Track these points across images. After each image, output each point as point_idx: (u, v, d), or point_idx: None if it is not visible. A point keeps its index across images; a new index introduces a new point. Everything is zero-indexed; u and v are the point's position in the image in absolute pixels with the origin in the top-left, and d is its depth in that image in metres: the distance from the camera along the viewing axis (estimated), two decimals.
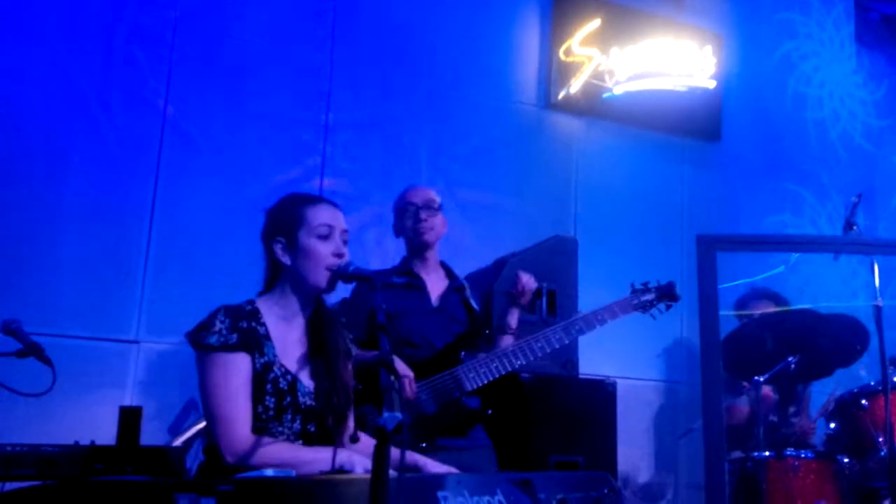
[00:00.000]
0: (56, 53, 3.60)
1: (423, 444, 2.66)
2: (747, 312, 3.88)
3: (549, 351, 2.91)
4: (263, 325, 2.09)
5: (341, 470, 1.90)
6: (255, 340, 2.04)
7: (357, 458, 1.93)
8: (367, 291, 1.99)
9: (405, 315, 2.89)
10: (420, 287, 3.01)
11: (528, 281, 3.06)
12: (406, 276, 2.96)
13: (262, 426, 2.01)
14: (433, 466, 2.09)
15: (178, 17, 3.84)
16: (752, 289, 4.15)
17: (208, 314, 2.07)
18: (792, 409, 4.08)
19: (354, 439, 1.78)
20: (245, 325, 2.05)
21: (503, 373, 2.83)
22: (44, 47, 3.57)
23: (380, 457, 1.38)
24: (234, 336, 2.02)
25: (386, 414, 1.37)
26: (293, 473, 1.58)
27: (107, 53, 3.70)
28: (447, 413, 2.77)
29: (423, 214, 3.03)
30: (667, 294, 3.09)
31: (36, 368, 2.64)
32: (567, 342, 2.94)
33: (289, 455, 1.95)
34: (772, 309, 3.85)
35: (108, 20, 3.71)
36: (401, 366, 2.67)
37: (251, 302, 2.14)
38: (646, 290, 3.10)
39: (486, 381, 2.81)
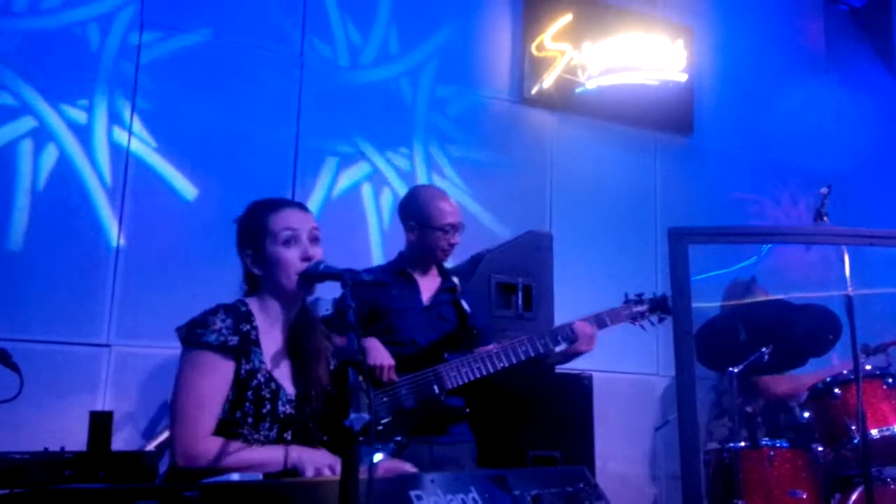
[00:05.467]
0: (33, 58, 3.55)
1: (399, 438, 2.66)
2: (735, 302, 3.91)
3: (532, 355, 2.91)
4: (256, 328, 2.07)
5: (293, 470, 1.89)
6: (247, 346, 2.03)
7: (308, 456, 1.92)
8: (357, 290, 1.97)
9: (394, 313, 2.89)
10: (412, 286, 3.01)
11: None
12: (378, 275, 2.94)
13: (237, 432, 1.98)
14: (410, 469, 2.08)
15: None
16: (745, 278, 4.19)
17: (204, 312, 2.03)
18: None
19: (320, 441, 1.76)
20: (244, 327, 2.04)
21: (485, 373, 2.84)
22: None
23: (349, 458, 1.36)
24: (235, 339, 1.99)
25: (353, 415, 1.36)
26: (260, 477, 1.56)
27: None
28: (425, 409, 2.77)
29: (457, 238, 3.03)
30: (660, 307, 3.14)
31: (3, 374, 2.61)
32: (553, 349, 2.94)
33: (240, 457, 1.91)
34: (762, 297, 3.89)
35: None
36: (383, 354, 2.71)
37: (244, 302, 2.12)
38: (639, 301, 3.13)
39: (466, 381, 2.81)
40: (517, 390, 3.41)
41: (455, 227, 3.03)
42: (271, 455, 1.94)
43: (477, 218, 4.41)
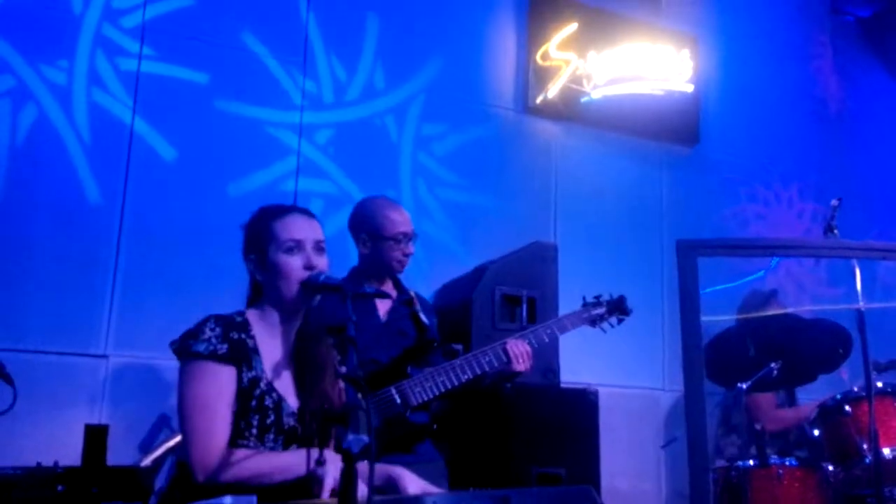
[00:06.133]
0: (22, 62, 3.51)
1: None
2: (752, 314, 3.86)
3: (497, 366, 2.85)
4: (253, 337, 2.03)
5: (313, 475, 1.84)
6: (244, 353, 1.98)
7: (331, 460, 1.86)
8: (333, 301, 1.92)
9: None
10: (367, 302, 2.90)
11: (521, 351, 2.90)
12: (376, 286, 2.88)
13: (243, 445, 1.94)
14: (409, 480, 2.02)
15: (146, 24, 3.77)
16: (765, 290, 4.14)
17: (196, 322, 2.00)
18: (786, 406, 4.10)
19: (319, 462, 1.70)
20: (236, 335, 1.99)
21: (450, 387, 2.75)
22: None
23: (347, 480, 1.30)
24: (224, 346, 1.95)
25: (351, 436, 1.29)
26: (254, 500, 1.50)
27: (71, 62, 3.61)
28: (390, 428, 2.68)
29: (411, 247, 2.97)
30: (617, 308, 3.12)
31: None
32: (506, 359, 2.86)
33: (262, 464, 1.88)
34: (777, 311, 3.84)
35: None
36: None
37: (241, 313, 2.08)
38: (597, 303, 3.11)
39: (432, 396, 2.73)
40: (521, 406, 3.35)
41: (408, 236, 2.96)
42: (293, 459, 1.90)
43: (480, 228, 4.36)
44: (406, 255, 2.97)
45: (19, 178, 3.43)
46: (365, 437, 1.29)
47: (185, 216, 3.70)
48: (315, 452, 1.87)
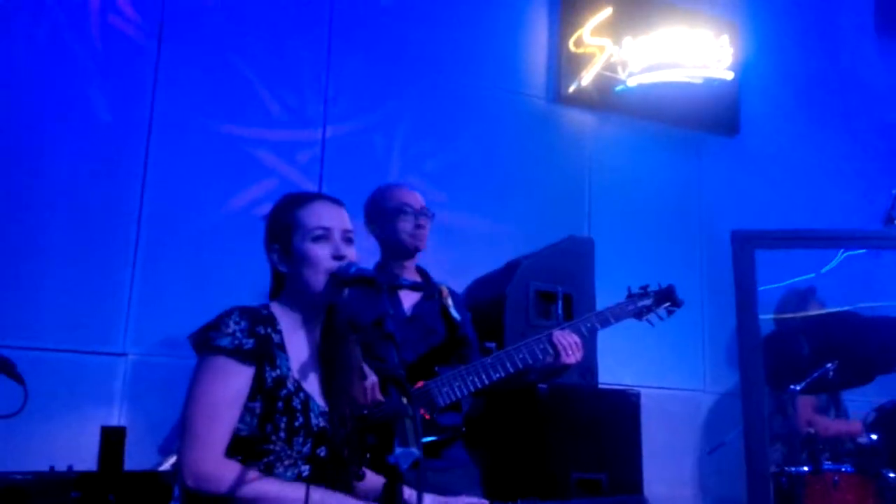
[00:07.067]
0: (32, 37, 3.38)
1: None
2: (790, 315, 3.67)
3: (531, 363, 2.67)
4: (279, 332, 1.89)
5: None
6: (269, 350, 1.84)
7: (334, 501, 1.72)
8: (359, 294, 1.76)
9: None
10: (390, 295, 2.70)
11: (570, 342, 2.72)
12: (411, 279, 2.71)
13: (268, 449, 1.80)
14: None
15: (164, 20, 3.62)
16: (798, 289, 3.95)
17: (219, 314, 1.86)
18: (832, 414, 3.90)
19: (359, 477, 1.54)
20: (262, 330, 1.85)
21: (480, 387, 2.59)
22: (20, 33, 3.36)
23: (391, 498, 1.13)
24: (251, 342, 1.81)
25: (398, 449, 1.11)
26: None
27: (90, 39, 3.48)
28: None
29: (421, 220, 2.81)
30: (667, 298, 2.92)
31: (7, 386, 2.42)
32: (552, 353, 2.69)
33: (256, 488, 1.74)
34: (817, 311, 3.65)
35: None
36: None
37: (266, 306, 1.94)
38: (643, 294, 2.92)
39: (460, 396, 2.57)
40: (558, 408, 3.18)
41: (414, 209, 2.80)
42: (290, 493, 1.74)
43: (510, 223, 4.18)
44: (417, 228, 2.80)
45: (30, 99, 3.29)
46: (415, 451, 1.12)
47: (207, 205, 3.55)
48: (315, 489, 1.72)
